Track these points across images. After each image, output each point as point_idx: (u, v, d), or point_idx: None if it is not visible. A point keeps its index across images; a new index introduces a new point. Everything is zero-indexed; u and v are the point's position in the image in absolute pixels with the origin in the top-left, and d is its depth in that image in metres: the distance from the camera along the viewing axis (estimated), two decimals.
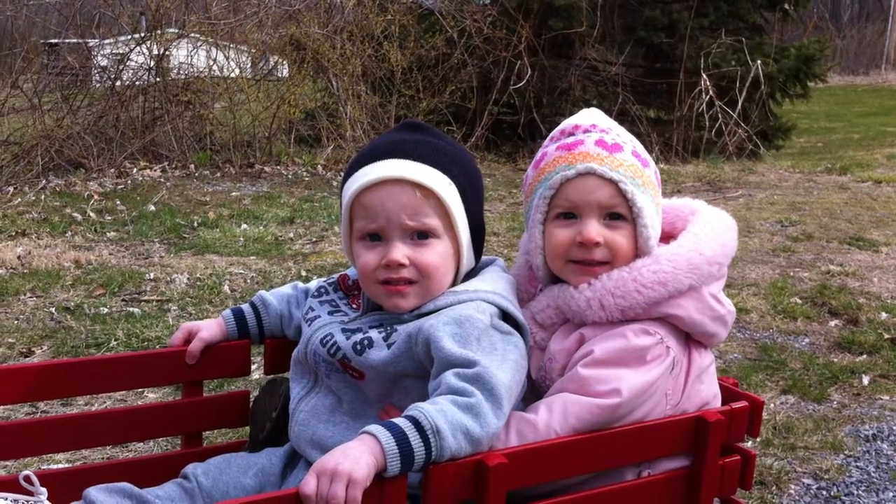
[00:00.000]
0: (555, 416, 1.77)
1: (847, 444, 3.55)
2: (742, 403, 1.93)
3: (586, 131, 1.95)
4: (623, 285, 1.85)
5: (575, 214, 1.90)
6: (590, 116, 2.00)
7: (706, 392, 1.95)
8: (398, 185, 1.82)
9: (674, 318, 1.87)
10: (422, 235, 1.84)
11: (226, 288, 5.27)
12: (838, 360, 4.39)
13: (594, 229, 1.87)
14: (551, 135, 2.01)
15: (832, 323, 4.92)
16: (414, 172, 1.82)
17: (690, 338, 1.93)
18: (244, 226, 6.99)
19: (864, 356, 4.45)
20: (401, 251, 1.83)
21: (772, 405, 3.86)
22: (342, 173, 9.32)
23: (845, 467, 3.38)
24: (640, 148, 1.96)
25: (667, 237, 1.97)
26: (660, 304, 1.85)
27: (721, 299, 1.94)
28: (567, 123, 2.00)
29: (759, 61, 11.22)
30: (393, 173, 1.82)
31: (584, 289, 1.89)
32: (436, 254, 1.84)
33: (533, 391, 1.93)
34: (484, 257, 2.02)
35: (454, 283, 1.91)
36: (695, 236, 1.92)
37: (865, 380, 4.16)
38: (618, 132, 1.96)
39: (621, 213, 1.88)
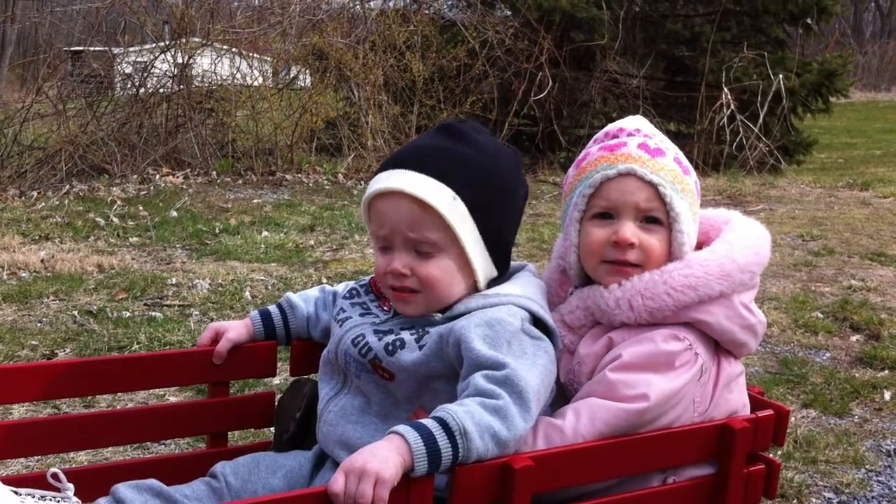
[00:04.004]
0: (582, 422, 1.78)
1: (868, 458, 3.54)
2: (768, 412, 1.93)
3: (630, 134, 1.96)
4: (653, 287, 1.86)
5: (612, 215, 1.91)
6: (635, 121, 2.01)
7: (735, 401, 1.95)
8: (400, 197, 1.83)
9: (703, 323, 1.87)
10: (424, 247, 1.84)
11: (247, 294, 5.30)
12: (860, 375, 4.37)
13: (630, 230, 1.88)
14: (595, 137, 2.03)
15: (854, 338, 4.90)
16: (414, 186, 1.82)
17: (720, 346, 1.93)
18: (265, 233, 7.03)
19: (886, 371, 4.42)
20: (402, 261, 1.85)
21: (793, 419, 3.84)
22: (363, 182, 9.39)
23: (866, 482, 3.36)
24: (682, 156, 1.97)
25: (699, 246, 1.97)
26: (689, 308, 1.85)
27: (752, 309, 1.94)
28: (612, 126, 2.01)
29: (780, 76, 11.19)
30: (395, 185, 1.83)
31: (613, 289, 1.89)
32: (437, 267, 1.84)
33: (562, 395, 1.94)
34: (515, 262, 2.02)
35: (476, 290, 1.90)
36: (728, 244, 1.93)
37: (887, 395, 4.14)
38: (661, 138, 1.98)
39: (658, 217, 1.89)
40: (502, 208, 1.89)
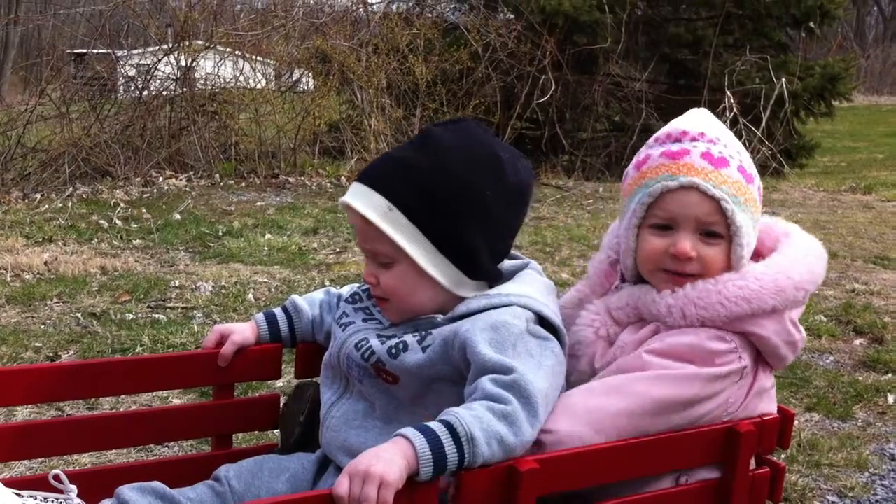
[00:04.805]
0: (631, 397, 1.78)
1: (872, 462, 3.53)
2: (772, 415, 1.93)
3: (694, 140, 1.89)
4: (707, 297, 1.83)
5: (671, 226, 1.87)
6: (699, 122, 1.93)
7: (764, 411, 1.93)
8: (352, 211, 1.86)
9: (754, 336, 1.85)
10: (381, 257, 1.87)
11: (250, 296, 5.30)
12: (863, 379, 4.37)
13: (689, 243, 1.85)
14: (657, 136, 1.95)
15: (857, 341, 4.90)
16: (357, 199, 1.85)
17: (759, 357, 1.91)
18: (268, 235, 7.03)
19: (890, 375, 4.42)
20: (368, 270, 1.91)
21: (796, 422, 3.83)
22: None
23: (870, 485, 3.36)
24: (746, 161, 1.91)
25: (754, 254, 1.94)
26: (741, 320, 1.83)
27: (798, 326, 1.91)
28: (675, 127, 1.93)
29: (783, 79, 11.19)
30: (345, 199, 1.88)
31: (666, 295, 1.87)
32: (395, 276, 1.86)
33: None
34: (517, 261, 1.99)
35: (450, 294, 1.88)
36: (786, 259, 1.89)
37: (891, 398, 4.13)
38: (726, 143, 1.90)
39: (718, 231, 1.85)
40: (458, 211, 1.83)
